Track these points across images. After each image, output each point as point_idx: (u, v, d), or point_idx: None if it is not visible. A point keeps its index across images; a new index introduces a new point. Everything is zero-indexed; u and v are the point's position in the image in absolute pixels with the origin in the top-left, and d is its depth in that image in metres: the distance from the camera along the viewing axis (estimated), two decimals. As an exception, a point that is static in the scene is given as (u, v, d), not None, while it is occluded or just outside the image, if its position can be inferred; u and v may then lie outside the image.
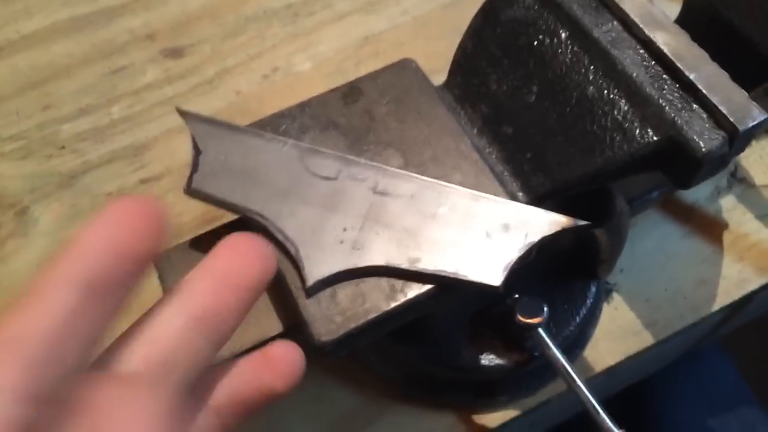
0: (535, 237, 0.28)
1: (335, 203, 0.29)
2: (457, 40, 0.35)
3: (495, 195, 0.30)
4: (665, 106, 0.27)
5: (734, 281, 0.44)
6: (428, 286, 0.28)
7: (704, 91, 0.27)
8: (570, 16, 0.30)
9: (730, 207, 0.46)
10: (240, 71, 0.53)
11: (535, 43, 0.31)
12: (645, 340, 0.42)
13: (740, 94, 0.26)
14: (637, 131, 0.27)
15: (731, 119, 0.26)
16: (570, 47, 0.30)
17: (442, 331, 0.38)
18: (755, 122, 0.26)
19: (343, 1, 0.57)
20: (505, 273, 0.27)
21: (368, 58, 0.54)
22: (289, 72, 0.53)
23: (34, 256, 0.45)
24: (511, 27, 0.31)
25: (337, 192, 0.29)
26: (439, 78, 0.36)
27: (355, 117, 0.32)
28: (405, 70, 0.34)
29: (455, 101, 0.33)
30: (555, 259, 0.39)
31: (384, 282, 0.28)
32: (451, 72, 0.33)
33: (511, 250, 0.28)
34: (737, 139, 0.26)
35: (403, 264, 0.27)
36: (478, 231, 0.28)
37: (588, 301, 0.40)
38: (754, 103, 0.26)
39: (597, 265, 0.38)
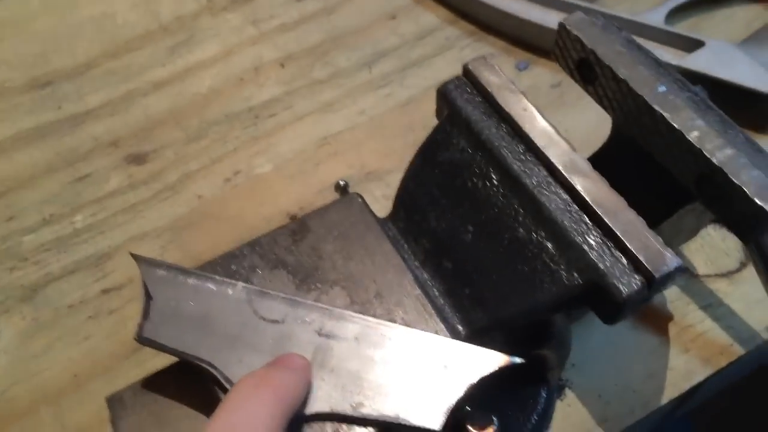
0: (473, 378, 0.29)
1: (282, 348, 0.30)
2: (411, 138, 0.37)
3: (436, 331, 0.31)
4: (588, 251, 0.29)
5: (681, 373, 0.46)
6: (371, 429, 0.29)
7: (622, 237, 0.29)
8: (500, 161, 0.32)
9: (674, 298, 0.48)
10: (202, 175, 0.55)
11: (469, 185, 0.33)
12: (598, 437, 0.44)
13: (656, 241, 0.29)
14: (564, 275, 0.29)
15: (648, 267, 0.28)
16: (501, 190, 0.32)
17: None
18: (670, 269, 0.28)
19: (303, 101, 0.59)
20: (444, 416, 0.29)
21: (327, 158, 0.56)
22: (251, 174, 0.55)
23: (-2, 375, 0.46)
24: (448, 168, 0.33)
25: (284, 336, 0.30)
26: (394, 176, 0.37)
27: (303, 255, 0.34)
28: (351, 205, 0.35)
29: (400, 234, 0.35)
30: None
31: (328, 427, 0.29)
32: (395, 206, 0.35)
33: (450, 392, 0.29)
34: (655, 283, 0.28)
35: (347, 410, 0.29)
36: (419, 372, 0.30)
37: (539, 407, 0.41)
38: (669, 249, 0.28)
39: (546, 373, 0.40)
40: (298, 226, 0.35)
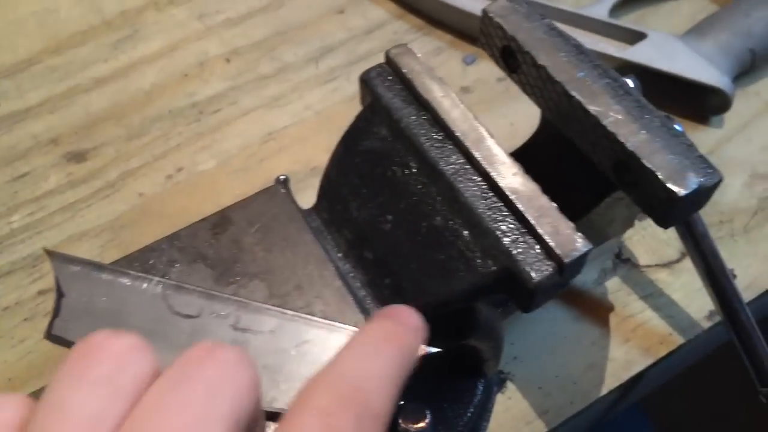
0: None
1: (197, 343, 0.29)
2: None
3: (356, 323, 0.31)
4: (501, 238, 0.29)
5: (621, 363, 0.46)
6: None
7: (534, 223, 0.28)
8: (418, 148, 0.32)
9: (615, 288, 0.49)
10: (143, 172, 0.54)
11: (389, 173, 0.32)
12: (538, 429, 0.43)
13: (567, 226, 0.28)
14: (478, 262, 0.29)
15: (558, 252, 0.28)
16: (419, 178, 0.31)
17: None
18: (580, 254, 0.28)
19: (248, 97, 0.58)
20: None
21: (272, 154, 0.55)
22: (194, 171, 0.54)
23: (-75, 381, 0.44)
24: (369, 157, 0.33)
25: (199, 331, 0.30)
26: None
27: (223, 248, 0.33)
28: (275, 196, 0.35)
29: (323, 225, 0.34)
30: (438, 362, 0.40)
31: None
32: (319, 197, 0.35)
33: None
34: (566, 268, 0.28)
35: (261, 405, 0.28)
36: None
37: (476, 399, 0.41)
38: (579, 234, 0.28)
39: (480, 365, 0.40)
40: (219, 219, 0.34)
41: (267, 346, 0.30)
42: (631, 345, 0.46)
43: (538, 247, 0.28)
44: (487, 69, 0.60)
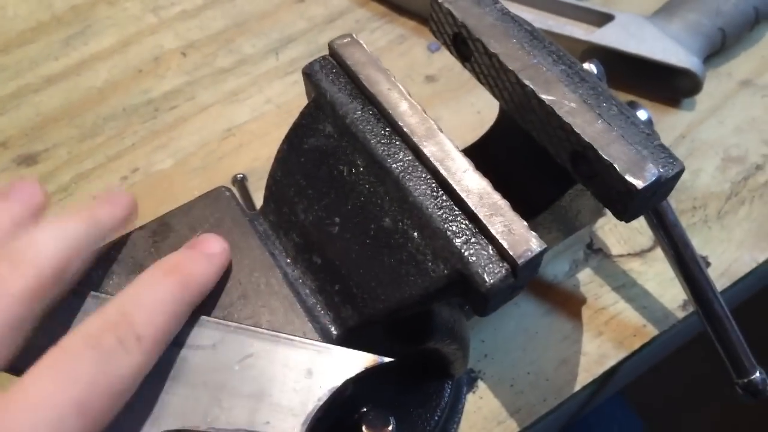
0: (336, 382, 0.27)
1: None
2: None
3: (304, 332, 0.29)
4: (452, 239, 0.27)
5: (594, 357, 0.44)
6: None
7: (486, 223, 0.27)
8: (365, 145, 0.30)
9: (587, 280, 0.47)
10: (98, 174, 0.52)
11: (335, 173, 0.30)
12: (510, 428, 0.42)
13: (520, 225, 0.27)
14: (429, 264, 0.27)
15: (511, 253, 0.26)
16: (366, 177, 0.30)
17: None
18: (533, 254, 0.26)
19: (206, 92, 0.56)
20: (304, 425, 0.26)
21: (232, 150, 0.53)
22: (150, 171, 0.52)
23: None
24: (314, 156, 0.31)
25: None
26: None
27: (164, 256, 0.31)
28: (218, 200, 0.33)
29: (270, 229, 0.32)
30: (404, 366, 0.38)
31: None
32: (265, 198, 0.33)
33: (312, 398, 0.27)
34: (520, 270, 0.26)
35: (201, 425, 0.26)
36: (280, 379, 0.27)
37: (443, 401, 0.39)
38: (533, 233, 0.27)
39: (447, 367, 0.38)
40: (158, 226, 0.32)
41: (208, 363, 0.28)
42: (605, 338, 0.45)
43: (491, 248, 0.27)
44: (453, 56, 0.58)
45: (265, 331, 0.29)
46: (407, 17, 0.60)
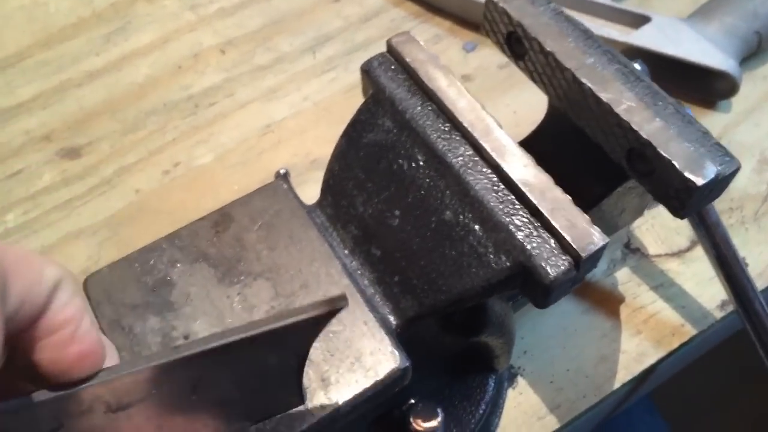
0: (303, 349, 0.26)
1: None
2: None
3: (365, 322, 0.30)
4: (515, 232, 0.28)
5: (633, 356, 0.45)
6: None
7: (548, 217, 0.27)
8: (425, 140, 0.30)
9: (625, 279, 0.48)
10: (140, 168, 0.53)
11: (395, 167, 0.31)
12: (550, 424, 0.43)
13: (582, 219, 0.27)
14: (491, 257, 0.28)
15: (574, 246, 0.27)
16: (426, 171, 0.30)
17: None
18: (597, 248, 0.27)
19: (244, 88, 0.57)
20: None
21: (270, 146, 0.54)
22: (191, 166, 0.53)
23: None
24: (373, 150, 0.32)
25: None
26: None
27: (226, 246, 0.32)
28: (276, 192, 0.34)
29: (328, 221, 0.33)
30: (449, 359, 0.39)
31: None
32: (323, 192, 0.34)
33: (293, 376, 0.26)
34: (582, 263, 0.27)
35: None
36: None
37: (487, 395, 0.40)
38: (596, 227, 0.27)
39: (491, 361, 0.39)
40: (220, 217, 0.33)
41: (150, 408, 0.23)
42: (643, 337, 0.45)
43: (553, 241, 0.27)
44: (488, 56, 0.58)
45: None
46: (442, 17, 0.60)
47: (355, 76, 0.59)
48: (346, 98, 0.57)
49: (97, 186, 0.52)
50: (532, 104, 0.55)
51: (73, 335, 0.21)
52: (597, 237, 0.27)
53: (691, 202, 0.28)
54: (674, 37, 0.52)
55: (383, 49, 0.35)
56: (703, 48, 0.52)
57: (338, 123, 0.55)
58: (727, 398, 0.99)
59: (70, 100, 0.56)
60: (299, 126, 0.55)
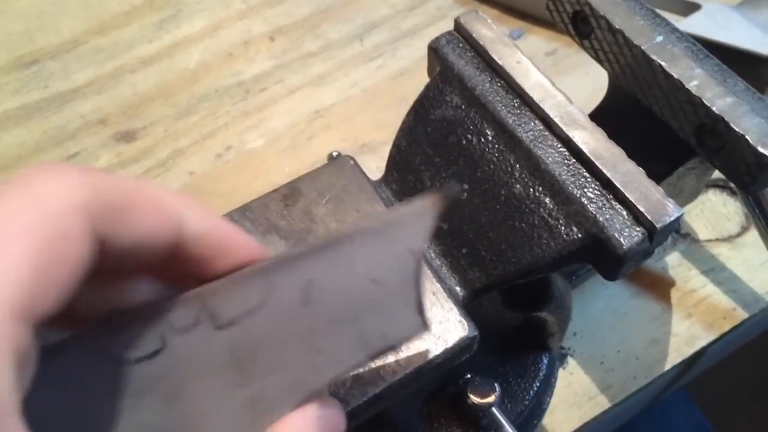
0: (416, 244, 0.23)
1: (177, 389, 0.21)
2: (405, 110, 0.35)
3: (433, 292, 0.30)
4: (587, 204, 0.28)
5: (684, 338, 0.45)
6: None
7: (622, 189, 0.28)
8: (495, 116, 0.31)
9: (675, 264, 0.48)
10: (193, 151, 0.54)
11: (464, 141, 0.32)
12: (600, 404, 0.43)
13: (656, 191, 0.28)
14: (563, 229, 0.29)
15: (649, 217, 0.27)
16: (496, 146, 0.31)
17: (398, 415, 0.38)
18: (672, 218, 0.27)
19: (294, 75, 0.58)
20: (423, 298, 0.23)
21: (320, 131, 0.55)
22: (242, 150, 0.54)
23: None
24: (441, 126, 0.33)
25: (172, 370, 0.21)
26: (388, 148, 0.35)
27: (296, 219, 0.33)
28: (343, 168, 0.34)
29: (393, 196, 0.34)
30: (505, 336, 0.39)
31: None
32: (388, 167, 0.34)
33: (408, 276, 0.23)
34: (656, 235, 0.27)
35: (317, 381, 0.22)
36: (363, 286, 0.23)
37: (541, 373, 0.40)
38: (670, 199, 0.27)
39: (546, 339, 0.39)
40: (289, 191, 0.34)
41: (272, 320, 0.22)
42: (694, 320, 0.46)
43: (625, 213, 0.28)
44: (535, 43, 0.59)
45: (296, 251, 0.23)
46: (488, 5, 0.61)
47: (402, 63, 0.60)
48: (394, 85, 0.57)
49: (153, 168, 0.53)
50: (579, 91, 0.55)
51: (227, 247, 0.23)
52: (671, 208, 0.27)
53: (763, 177, 0.29)
54: (724, 24, 0.52)
55: (430, 36, 0.35)
56: (754, 35, 0.51)
57: (386, 109, 0.56)
58: (757, 394, 0.98)
59: (125, 85, 0.57)
60: (347, 111, 0.56)
